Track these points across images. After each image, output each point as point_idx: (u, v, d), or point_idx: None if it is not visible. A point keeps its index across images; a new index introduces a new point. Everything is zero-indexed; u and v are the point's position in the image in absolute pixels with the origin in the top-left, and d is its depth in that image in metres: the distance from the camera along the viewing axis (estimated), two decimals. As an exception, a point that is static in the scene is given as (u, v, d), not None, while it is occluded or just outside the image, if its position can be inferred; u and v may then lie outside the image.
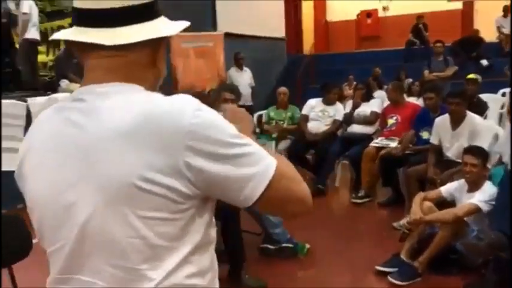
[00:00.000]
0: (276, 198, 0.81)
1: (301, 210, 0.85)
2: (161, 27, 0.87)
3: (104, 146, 0.77)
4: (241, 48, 7.63)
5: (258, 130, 5.97)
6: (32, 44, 5.89)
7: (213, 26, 8.25)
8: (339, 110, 5.23)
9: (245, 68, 7.43)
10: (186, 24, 0.90)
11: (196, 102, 0.80)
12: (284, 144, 5.27)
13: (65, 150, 0.81)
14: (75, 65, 5.60)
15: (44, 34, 6.80)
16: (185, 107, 0.78)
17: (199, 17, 7.97)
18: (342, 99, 6.20)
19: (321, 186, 4.85)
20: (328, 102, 5.24)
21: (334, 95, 5.29)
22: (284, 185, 0.81)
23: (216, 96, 3.41)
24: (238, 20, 8.59)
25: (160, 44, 0.88)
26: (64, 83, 5.65)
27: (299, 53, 12.12)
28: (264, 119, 5.78)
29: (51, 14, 7.29)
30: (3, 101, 3.97)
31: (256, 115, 6.27)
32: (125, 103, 0.79)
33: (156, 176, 0.75)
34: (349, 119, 5.13)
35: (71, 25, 0.87)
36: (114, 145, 0.76)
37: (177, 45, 6.87)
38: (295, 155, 5.14)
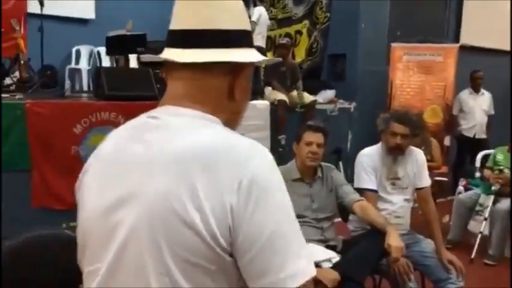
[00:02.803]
0: None
1: None
2: (244, 54, 0.83)
3: (160, 166, 0.74)
4: (485, 66, 6.05)
5: (477, 175, 4.54)
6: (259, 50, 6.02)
7: (455, 38, 6.88)
8: None
9: (483, 91, 5.85)
10: (276, 59, 1.03)
11: (271, 157, 0.77)
12: (507, 202, 3.76)
13: (124, 165, 0.79)
14: (281, 73, 5.47)
15: (273, 41, 6.94)
16: (258, 154, 0.76)
17: (435, 26, 6.77)
18: None
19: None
20: None
21: None
22: None
23: (384, 127, 2.50)
24: (491, 32, 6.93)
25: (241, 72, 0.83)
26: (268, 90, 5.56)
27: None
28: (488, 162, 4.31)
29: (281, 20, 7.36)
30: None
31: (480, 155, 4.78)
32: (193, 129, 0.78)
33: (201, 212, 0.70)
34: None
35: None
36: (170, 168, 0.73)
37: (397, 57, 5.93)
38: (522, 221, 3.63)
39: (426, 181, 2.59)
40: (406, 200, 2.58)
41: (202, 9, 0.81)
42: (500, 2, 7.01)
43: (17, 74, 4.81)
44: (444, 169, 5.77)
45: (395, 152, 2.49)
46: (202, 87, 0.81)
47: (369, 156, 2.55)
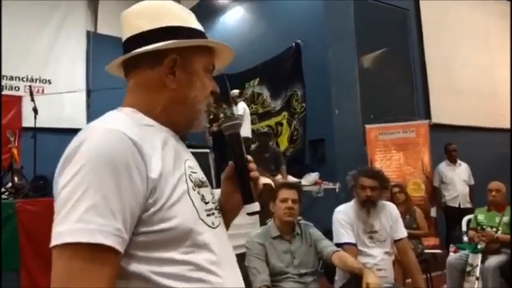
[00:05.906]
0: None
1: None
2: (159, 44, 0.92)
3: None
4: (460, 140, 6.39)
5: (465, 239, 4.59)
6: (245, 141, 6.37)
7: (427, 116, 7.32)
8: None
9: (460, 162, 6.11)
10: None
11: (85, 137, 0.83)
12: (495, 259, 3.78)
13: None
14: (265, 159, 5.70)
15: (256, 133, 7.34)
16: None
17: (405, 107, 7.24)
18: None
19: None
20: None
21: None
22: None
23: (354, 183, 2.66)
24: (459, 110, 7.45)
25: (164, 62, 0.93)
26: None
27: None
28: (471, 223, 4.40)
29: (262, 114, 7.84)
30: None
31: (465, 219, 4.88)
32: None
33: None
34: None
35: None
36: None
37: (373, 137, 6.28)
38: (513, 276, 3.62)
39: (402, 233, 2.68)
40: (386, 252, 2.64)
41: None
42: (460, 81, 7.63)
43: (9, 184, 4.92)
44: (435, 241, 5.78)
45: (367, 205, 2.62)
46: (133, 85, 1.03)
47: (344, 212, 2.67)
